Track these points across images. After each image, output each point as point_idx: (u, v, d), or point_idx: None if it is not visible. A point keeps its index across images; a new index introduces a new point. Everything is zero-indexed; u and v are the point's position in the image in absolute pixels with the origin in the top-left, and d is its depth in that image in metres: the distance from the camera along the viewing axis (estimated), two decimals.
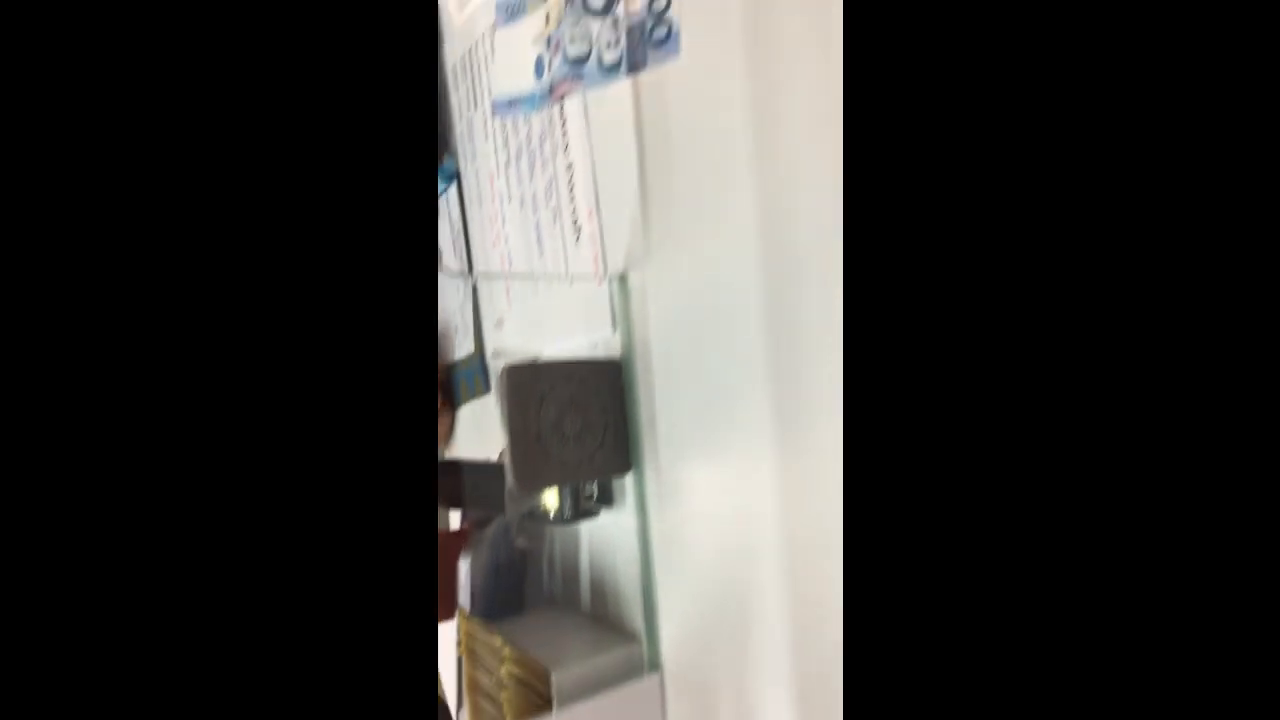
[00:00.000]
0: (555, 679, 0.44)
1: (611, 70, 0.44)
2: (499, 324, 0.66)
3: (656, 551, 0.48)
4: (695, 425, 0.44)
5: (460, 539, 0.63)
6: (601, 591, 0.53)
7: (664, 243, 0.45)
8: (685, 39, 0.39)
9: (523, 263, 0.61)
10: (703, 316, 0.42)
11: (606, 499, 0.51)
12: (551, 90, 0.50)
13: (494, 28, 0.61)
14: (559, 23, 0.48)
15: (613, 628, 0.52)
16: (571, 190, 0.53)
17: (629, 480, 0.49)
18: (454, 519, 0.72)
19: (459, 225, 0.73)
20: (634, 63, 0.42)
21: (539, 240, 0.58)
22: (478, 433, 0.73)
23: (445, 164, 0.73)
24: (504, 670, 0.49)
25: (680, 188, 0.43)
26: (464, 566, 0.58)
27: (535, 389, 0.45)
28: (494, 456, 0.55)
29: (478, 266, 0.70)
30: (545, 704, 0.45)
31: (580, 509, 0.51)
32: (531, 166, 0.58)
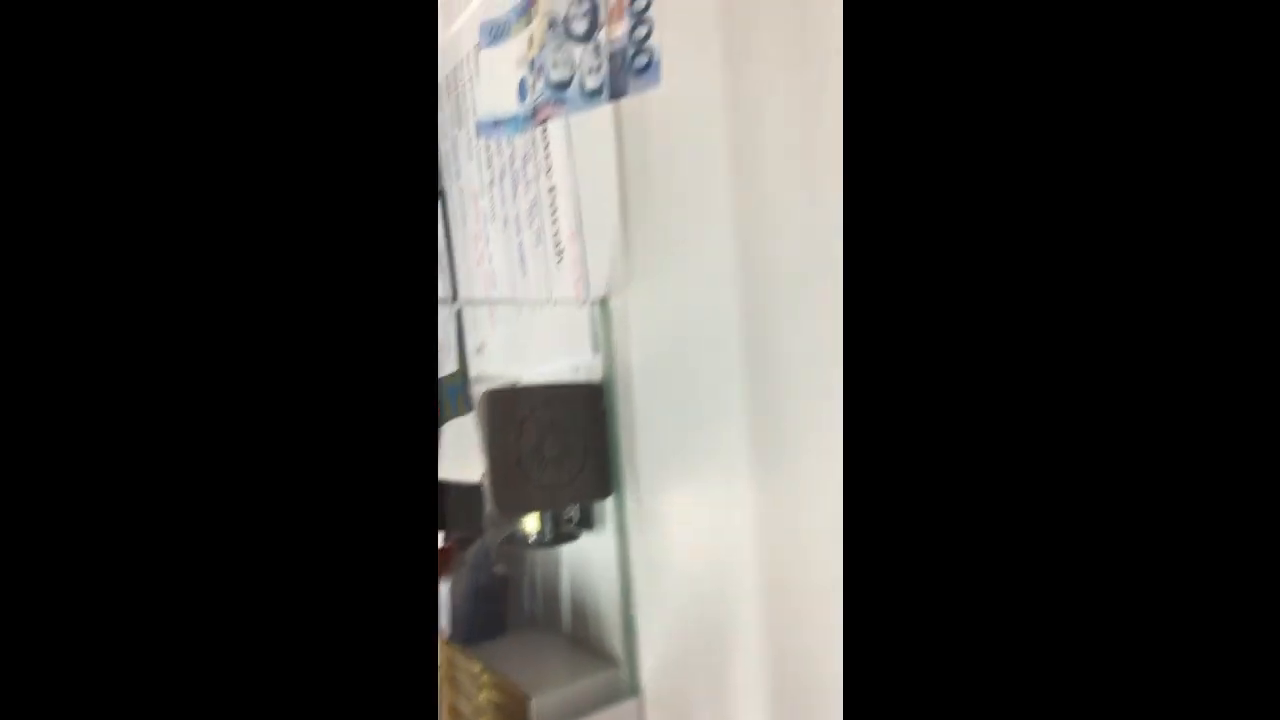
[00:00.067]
0: (534, 705, 0.44)
1: (593, 96, 0.44)
2: (480, 349, 0.66)
3: (637, 575, 0.48)
4: (676, 449, 0.44)
5: (444, 558, 0.62)
6: (582, 614, 0.53)
7: (645, 267, 0.45)
8: (666, 67, 0.39)
9: (507, 283, 0.61)
10: (684, 340, 0.42)
11: (587, 522, 0.51)
12: (534, 113, 0.50)
13: (478, 48, 0.61)
14: (541, 47, 0.48)
15: (593, 651, 0.51)
16: (554, 213, 0.53)
17: (610, 504, 0.49)
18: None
19: (443, 243, 0.72)
20: (616, 89, 0.42)
21: (522, 261, 0.58)
22: (459, 453, 0.72)
23: None
24: (483, 697, 0.49)
25: (661, 213, 0.43)
26: (444, 589, 0.57)
27: (515, 414, 0.45)
28: (475, 478, 0.55)
29: (462, 286, 0.70)
30: None
31: (561, 532, 0.51)
32: (515, 187, 0.58)
